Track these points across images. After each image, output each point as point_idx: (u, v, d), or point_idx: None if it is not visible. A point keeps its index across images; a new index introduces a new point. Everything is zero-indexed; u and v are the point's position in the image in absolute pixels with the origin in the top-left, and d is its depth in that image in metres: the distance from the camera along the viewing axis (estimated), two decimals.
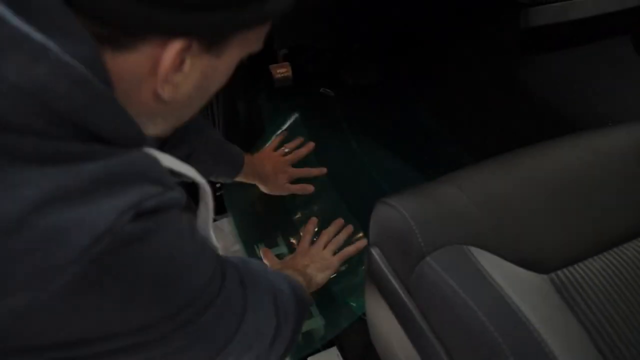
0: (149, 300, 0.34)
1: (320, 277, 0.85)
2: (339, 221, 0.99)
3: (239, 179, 0.96)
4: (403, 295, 0.61)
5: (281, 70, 1.04)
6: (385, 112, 1.34)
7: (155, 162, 0.35)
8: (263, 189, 1.04)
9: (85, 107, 0.29)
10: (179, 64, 0.35)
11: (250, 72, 1.13)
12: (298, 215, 1.13)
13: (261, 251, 0.99)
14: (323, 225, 1.10)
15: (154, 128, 0.41)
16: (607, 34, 1.06)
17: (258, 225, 1.11)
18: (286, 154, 1.11)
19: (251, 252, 1.05)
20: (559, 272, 0.56)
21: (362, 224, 1.11)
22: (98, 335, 0.32)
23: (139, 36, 0.33)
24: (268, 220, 1.11)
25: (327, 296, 0.96)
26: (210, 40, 0.36)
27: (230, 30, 0.36)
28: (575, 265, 0.57)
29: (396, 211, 0.60)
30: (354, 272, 1.03)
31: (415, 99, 1.36)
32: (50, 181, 0.28)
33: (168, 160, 0.38)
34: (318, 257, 0.89)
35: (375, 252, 0.67)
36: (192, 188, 0.45)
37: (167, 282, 0.35)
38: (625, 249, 0.58)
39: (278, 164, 1.06)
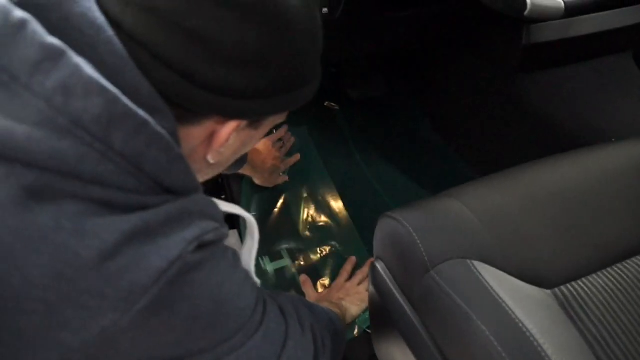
0: (208, 323, 0.39)
1: (355, 309, 0.91)
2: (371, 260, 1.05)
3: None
4: (407, 308, 0.61)
5: None
6: (389, 126, 1.35)
7: (212, 202, 0.42)
8: (255, 179, 1.11)
9: (166, 168, 0.36)
10: (228, 140, 0.43)
11: None
12: (301, 229, 1.13)
13: (301, 281, 1.02)
14: (324, 238, 1.11)
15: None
16: (608, 50, 1.07)
17: (263, 238, 1.12)
18: (280, 148, 1.19)
19: (256, 264, 1.05)
20: (563, 288, 0.57)
21: (365, 237, 1.12)
22: (162, 357, 0.37)
23: (204, 115, 0.40)
24: (273, 233, 1.11)
25: None
26: (258, 121, 0.45)
27: (276, 113, 0.43)
28: (579, 281, 0.57)
29: (400, 225, 0.61)
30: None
31: (418, 114, 1.37)
32: (139, 218, 0.34)
33: (218, 203, 0.44)
34: (353, 291, 0.94)
35: (379, 266, 0.68)
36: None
37: (220, 306, 0.40)
38: (629, 264, 0.58)
39: (271, 158, 1.13)
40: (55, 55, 0.32)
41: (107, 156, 0.33)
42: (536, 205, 0.62)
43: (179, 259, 0.35)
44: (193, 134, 0.41)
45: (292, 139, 1.23)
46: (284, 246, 1.10)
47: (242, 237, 1.08)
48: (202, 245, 0.37)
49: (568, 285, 0.57)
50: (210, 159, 0.44)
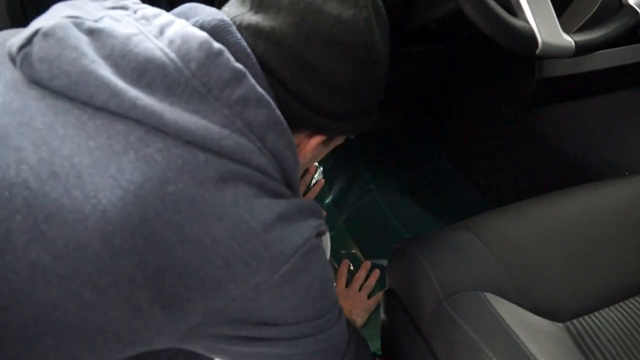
0: (313, 296, 0.46)
1: (360, 321, 0.97)
2: (367, 264, 1.10)
3: None
4: (418, 338, 0.62)
5: None
6: (405, 156, 1.37)
7: (319, 205, 0.50)
8: None
9: (293, 168, 0.46)
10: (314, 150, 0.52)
11: None
12: None
13: (339, 272, 1.04)
14: (333, 264, 1.11)
15: None
16: (621, 85, 1.08)
17: None
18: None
19: None
20: (575, 321, 0.57)
21: (376, 266, 1.13)
22: (285, 320, 0.45)
23: (300, 129, 0.49)
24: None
25: None
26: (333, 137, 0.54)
27: (350, 134, 0.53)
28: (592, 315, 0.57)
29: (413, 255, 0.62)
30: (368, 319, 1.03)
31: (433, 145, 1.38)
32: (285, 204, 0.43)
33: None
34: (358, 300, 1.00)
35: (391, 295, 0.68)
36: None
37: (322, 284, 0.47)
38: None
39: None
40: (240, 77, 0.42)
41: (262, 152, 0.43)
42: (549, 238, 0.63)
43: (309, 239, 0.43)
44: None
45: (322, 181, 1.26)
46: None
47: None
48: (319, 233, 0.46)
49: (581, 319, 0.57)
50: None
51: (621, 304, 0.58)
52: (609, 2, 0.72)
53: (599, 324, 0.56)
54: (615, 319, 0.57)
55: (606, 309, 0.58)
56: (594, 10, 0.74)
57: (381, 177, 1.31)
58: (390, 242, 1.13)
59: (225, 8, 0.50)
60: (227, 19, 0.46)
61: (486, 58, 1.10)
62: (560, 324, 0.57)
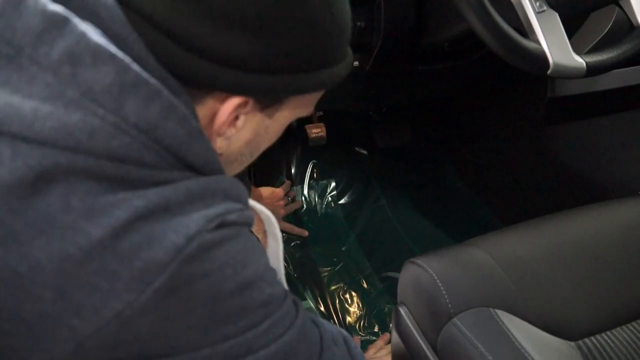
0: (230, 305, 0.36)
1: None
2: (385, 336, 1.02)
3: None
4: (429, 354, 0.62)
5: (316, 130, 1.10)
6: (415, 173, 1.38)
7: (237, 183, 0.39)
8: None
9: (186, 142, 0.34)
10: (233, 120, 0.38)
11: (285, 130, 1.19)
12: (324, 272, 1.15)
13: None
14: (345, 280, 1.12)
15: None
16: (635, 104, 1.09)
17: (287, 280, 1.14)
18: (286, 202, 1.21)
19: None
20: (587, 340, 0.57)
21: (386, 282, 1.13)
22: (185, 345, 0.34)
23: (203, 90, 0.36)
24: (296, 275, 1.13)
25: None
26: (266, 101, 0.39)
27: (287, 94, 0.39)
28: (603, 334, 0.57)
29: (424, 271, 0.62)
30: (378, 333, 1.04)
31: (444, 161, 1.39)
32: (156, 195, 0.32)
33: None
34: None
35: (402, 311, 0.69)
36: None
37: (244, 287, 0.36)
38: None
39: (272, 206, 1.13)
40: (59, 23, 0.30)
41: (120, 128, 0.31)
42: (560, 256, 0.63)
43: (197, 235, 0.32)
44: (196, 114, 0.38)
45: (299, 203, 1.26)
46: (307, 288, 1.11)
47: None
48: (224, 224, 0.35)
49: (592, 338, 0.57)
50: (215, 144, 0.39)
51: (633, 323, 0.58)
52: (620, 23, 0.73)
53: (610, 343, 0.56)
54: (628, 338, 0.57)
55: (618, 329, 0.58)
56: (605, 32, 0.75)
57: (392, 193, 1.33)
58: (400, 257, 1.14)
59: None
60: None
61: (498, 76, 1.11)
62: (572, 343, 0.57)
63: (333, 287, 1.12)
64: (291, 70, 0.37)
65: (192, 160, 0.35)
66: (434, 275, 0.61)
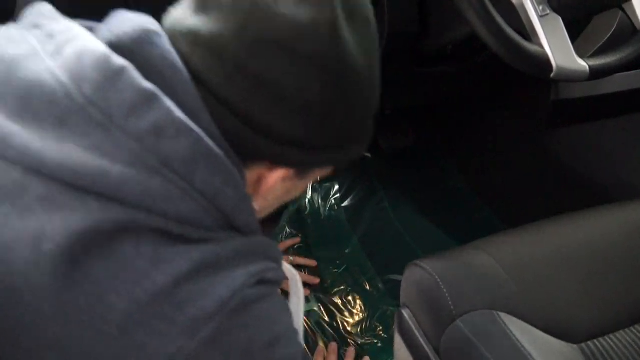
0: (259, 358, 0.38)
1: None
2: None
3: None
4: (432, 356, 0.62)
5: None
6: (418, 176, 1.38)
7: (274, 244, 0.43)
8: None
9: (237, 206, 0.38)
10: (275, 186, 0.43)
11: None
12: (327, 274, 1.15)
13: (329, 349, 1.00)
14: (348, 282, 1.12)
15: None
16: (637, 108, 1.09)
17: None
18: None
19: None
20: (590, 343, 0.57)
21: (389, 284, 1.13)
22: None
23: (256, 160, 0.40)
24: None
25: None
26: (306, 170, 0.44)
27: (325, 165, 0.44)
28: (606, 337, 0.57)
29: (427, 274, 0.63)
30: (381, 336, 1.04)
31: (447, 164, 1.39)
32: (209, 251, 0.36)
33: None
34: None
35: (405, 313, 0.69)
36: None
37: (274, 342, 0.39)
38: None
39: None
40: (150, 99, 0.34)
41: (188, 194, 0.34)
42: (564, 259, 0.63)
43: (241, 290, 0.36)
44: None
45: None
46: (311, 290, 1.12)
47: None
48: (262, 282, 0.38)
49: (595, 341, 0.57)
50: (256, 204, 0.43)
51: (637, 326, 0.58)
52: (623, 27, 0.73)
53: (614, 346, 0.56)
54: (631, 341, 0.57)
55: (621, 331, 0.58)
56: (608, 35, 0.75)
57: (395, 196, 1.33)
58: (403, 259, 1.13)
59: (174, 10, 0.40)
60: (153, 27, 0.37)
61: (501, 79, 1.11)
62: (575, 345, 0.57)
63: (336, 290, 1.12)
64: (334, 146, 0.41)
65: (239, 223, 0.39)
66: (436, 277, 0.61)
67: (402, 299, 0.71)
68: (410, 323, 0.67)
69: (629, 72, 1.01)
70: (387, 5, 0.79)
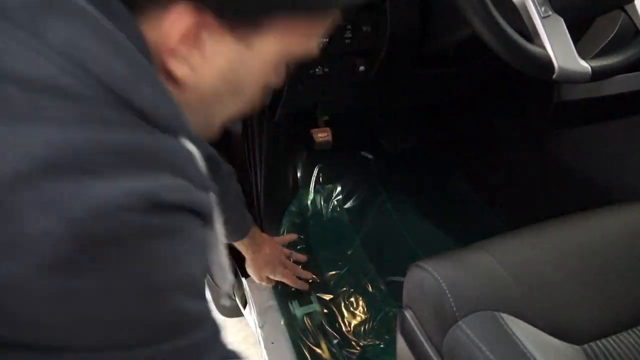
0: (135, 306, 0.28)
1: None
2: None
3: (235, 244, 0.95)
4: (434, 357, 0.62)
5: (322, 135, 1.10)
6: (420, 177, 1.38)
7: (190, 155, 0.31)
8: (247, 266, 1.02)
9: (124, 75, 0.28)
10: (192, 39, 0.32)
11: (291, 134, 1.20)
12: (329, 276, 1.15)
13: None
14: (350, 284, 1.13)
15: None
16: (638, 110, 1.09)
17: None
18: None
19: (285, 307, 1.07)
20: (593, 344, 0.57)
21: (391, 285, 1.13)
22: (75, 339, 0.27)
23: (160, 3, 0.30)
24: (303, 278, 1.14)
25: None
26: (232, 18, 0.32)
27: (257, 11, 0.32)
28: (609, 338, 0.57)
29: (430, 275, 0.63)
30: (383, 337, 1.04)
31: (449, 165, 1.39)
32: (73, 136, 0.25)
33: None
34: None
35: (408, 314, 0.69)
36: None
37: (163, 293, 0.29)
38: None
39: (274, 255, 1.05)
40: None
41: (37, 50, 0.25)
42: (566, 260, 0.63)
43: (110, 213, 0.25)
44: (152, 34, 0.31)
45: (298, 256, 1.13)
46: (313, 291, 1.12)
47: None
48: (157, 206, 0.27)
49: (598, 342, 0.57)
50: (176, 69, 0.32)
51: (639, 327, 0.58)
52: (625, 28, 0.73)
53: (616, 347, 0.56)
54: (634, 342, 0.57)
55: (624, 333, 0.58)
56: (611, 37, 0.75)
57: (397, 197, 1.33)
58: (405, 261, 1.14)
59: None
60: None
61: (504, 81, 1.11)
62: (578, 347, 0.57)
63: (338, 291, 1.12)
64: None
65: (140, 104, 0.28)
66: (439, 278, 0.61)
67: (404, 300, 0.71)
68: (413, 324, 0.67)
69: (631, 74, 1.01)
70: (389, 8, 0.79)
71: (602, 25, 0.81)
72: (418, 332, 0.66)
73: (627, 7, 0.66)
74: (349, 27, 0.80)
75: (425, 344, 0.64)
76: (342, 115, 1.18)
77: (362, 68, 0.87)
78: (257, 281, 1.06)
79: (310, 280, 1.11)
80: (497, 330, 0.55)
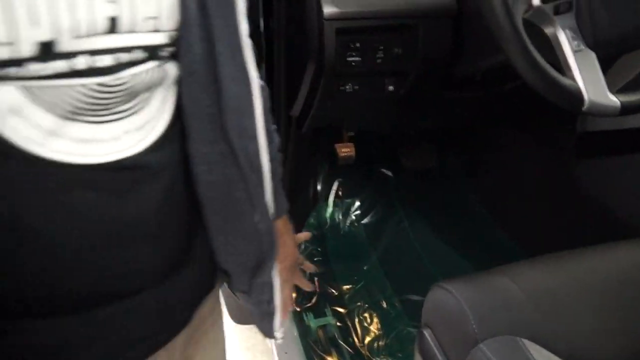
0: None
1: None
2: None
3: None
4: None
5: (346, 150, 1.12)
6: (438, 197, 1.39)
7: None
8: None
9: None
10: None
11: (315, 147, 1.22)
12: (345, 289, 1.16)
13: None
14: (365, 299, 1.14)
15: None
16: None
17: (308, 295, 1.16)
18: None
19: (299, 318, 1.09)
20: None
21: (405, 302, 1.14)
22: None
23: None
24: (319, 290, 1.15)
25: None
26: None
27: None
28: None
29: (452, 296, 0.64)
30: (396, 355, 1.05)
31: (468, 188, 1.40)
32: None
33: None
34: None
35: (427, 333, 0.70)
36: None
37: None
38: None
39: (294, 251, 1.05)
40: None
41: None
42: (587, 289, 0.64)
43: None
44: None
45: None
46: (328, 304, 1.13)
47: None
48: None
49: None
50: None
51: None
52: None
53: None
54: None
55: None
56: (638, 73, 0.77)
57: (415, 216, 1.34)
58: (420, 280, 1.16)
59: None
60: None
61: (526, 108, 1.12)
62: None
63: (353, 306, 1.14)
64: None
65: None
66: (461, 299, 0.62)
67: (424, 319, 0.72)
68: (432, 344, 0.68)
69: None
70: (422, 31, 0.81)
71: (629, 58, 0.82)
72: (437, 352, 0.67)
73: None
74: (381, 47, 0.82)
75: None
76: (366, 132, 1.20)
77: (391, 88, 0.89)
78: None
79: (326, 292, 1.12)
80: (517, 355, 0.56)
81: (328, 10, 0.76)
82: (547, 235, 1.18)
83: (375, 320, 1.11)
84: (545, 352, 0.57)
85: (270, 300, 0.56)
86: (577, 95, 0.63)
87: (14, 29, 0.28)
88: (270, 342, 1.06)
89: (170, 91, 0.41)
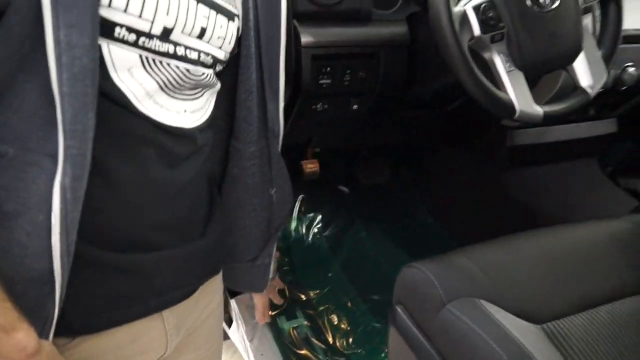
0: None
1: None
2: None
3: None
4: (426, 342, 0.75)
5: (311, 166, 1.24)
6: (391, 209, 1.54)
7: None
8: None
9: None
10: None
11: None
12: (313, 294, 1.27)
13: None
14: (332, 301, 1.24)
15: None
16: (578, 155, 1.30)
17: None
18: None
19: (272, 323, 1.17)
20: (550, 324, 0.72)
21: (369, 302, 1.26)
22: None
23: None
24: (289, 296, 1.24)
25: None
26: None
27: None
28: (563, 319, 0.72)
29: (420, 271, 0.77)
30: (365, 346, 1.16)
31: (417, 199, 1.56)
32: None
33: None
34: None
35: (399, 309, 0.82)
36: None
37: None
38: (603, 309, 0.74)
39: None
40: None
41: None
42: (529, 260, 0.79)
43: None
44: None
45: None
46: (299, 307, 1.22)
47: None
48: None
49: (554, 323, 0.72)
50: None
51: (589, 311, 0.74)
52: (567, 83, 0.93)
53: (569, 326, 0.71)
54: (583, 322, 0.72)
55: (574, 315, 0.73)
56: (556, 89, 0.95)
57: (371, 226, 1.48)
58: (380, 282, 1.28)
59: None
60: None
61: (465, 125, 1.30)
62: (538, 326, 0.71)
63: (322, 308, 1.24)
64: None
65: None
66: (428, 272, 0.75)
67: (396, 298, 0.84)
68: (404, 316, 0.80)
69: (570, 125, 1.23)
70: (382, 58, 0.96)
71: (549, 78, 1.01)
72: (410, 323, 0.79)
73: (569, 68, 0.85)
74: (349, 71, 0.96)
75: (417, 332, 0.77)
76: (329, 149, 1.33)
77: (355, 107, 1.03)
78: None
79: (295, 298, 1.22)
80: (478, 310, 0.69)
81: (305, 39, 0.89)
82: (484, 233, 1.35)
83: (344, 319, 1.22)
84: (497, 309, 0.71)
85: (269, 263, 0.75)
86: (510, 106, 0.79)
87: (155, 13, 0.42)
88: (246, 346, 1.14)
89: (213, 96, 0.55)
